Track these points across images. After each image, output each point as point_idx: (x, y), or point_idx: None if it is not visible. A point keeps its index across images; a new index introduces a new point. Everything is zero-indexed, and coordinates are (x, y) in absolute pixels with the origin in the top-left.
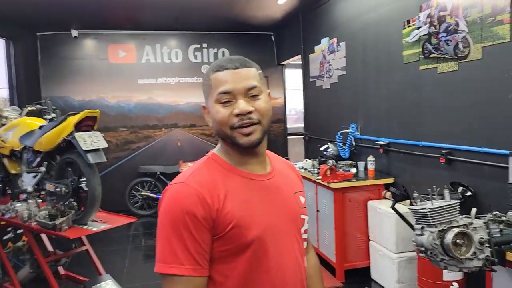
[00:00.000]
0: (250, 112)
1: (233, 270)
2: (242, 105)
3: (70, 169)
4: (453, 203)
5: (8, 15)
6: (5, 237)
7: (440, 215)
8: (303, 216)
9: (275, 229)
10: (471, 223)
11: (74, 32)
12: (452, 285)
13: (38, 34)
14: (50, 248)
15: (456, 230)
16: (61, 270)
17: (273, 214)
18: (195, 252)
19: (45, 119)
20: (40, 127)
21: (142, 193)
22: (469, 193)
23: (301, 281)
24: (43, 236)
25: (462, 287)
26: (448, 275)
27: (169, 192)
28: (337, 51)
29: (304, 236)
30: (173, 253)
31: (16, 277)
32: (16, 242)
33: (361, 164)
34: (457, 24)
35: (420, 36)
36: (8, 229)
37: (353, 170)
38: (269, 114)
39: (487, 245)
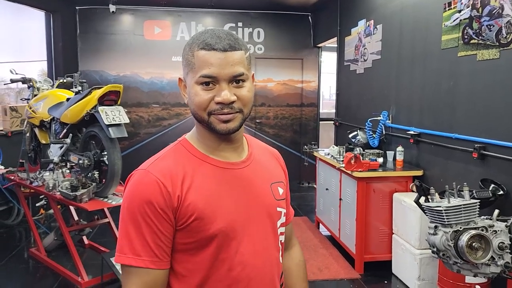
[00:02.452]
0: (232, 102)
1: (195, 264)
2: (225, 94)
3: (93, 142)
4: (472, 203)
5: None
6: (37, 204)
7: (456, 214)
8: (279, 209)
9: (244, 223)
10: (491, 226)
11: (112, 7)
12: None
13: (77, 7)
14: (76, 217)
15: (473, 232)
16: (85, 240)
17: (243, 206)
18: (153, 243)
19: (73, 91)
20: (68, 99)
21: None
22: (501, 192)
23: (271, 279)
24: (70, 206)
25: None
26: (472, 278)
27: (131, 180)
28: (374, 34)
29: (281, 230)
30: (130, 243)
31: (42, 243)
32: (48, 210)
33: (390, 154)
34: (502, 8)
35: (460, 20)
36: (41, 196)
37: (380, 159)
38: (251, 103)
39: (507, 250)
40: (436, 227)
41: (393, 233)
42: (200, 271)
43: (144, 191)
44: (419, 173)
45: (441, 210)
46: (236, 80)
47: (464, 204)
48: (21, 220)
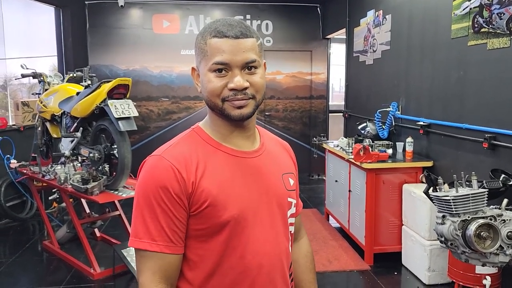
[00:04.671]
0: (245, 88)
1: (207, 251)
2: (238, 80)
3: (103, 135)
4: (480, 192)
5: None
6: (50, 197)
7: (464, 204)
8: (290, 199)
9: (255, 211)
10: (500, 215)
11: (121, 1)
12: (485, 278)
13: (86, 2)
14: (87, 210)
15: (481, 221)
16: (97, 232)
17: (255, 194)
18: (168, 228)
19: (82, 85)
20: (78, 93)
21: None
22: (511, 182)
23: (281, 268)
24: (82, 199)
25: (496, 282)
26: (482, 268)
27: (145, 165)
28: (383, 24)
29: (291, 220)
30: (146, 228)
31: (55, 236)
32: (61, 203)
33: (399, 145)
34: None
35: (470, 9)
36: (54, 190)
37: (389, 151)
38: (263, 89)
39: None
40: (444, 216)
41: (403, 225)
42: (212, 258)
43: (159, 176)
44: (429, 164)
45: (449, 200)
46: (249, 66)
47: (472, 194)
48: (34, 214)
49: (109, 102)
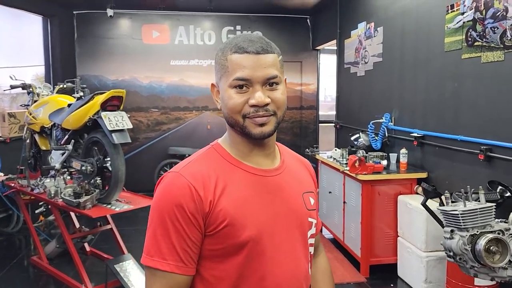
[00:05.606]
0: (266, 104)
1: (223, 272)
2: (259, 96)
3: (96, 148)
4: (489, 206)
5: None
6: (37, 211)
7: (473, 218)
8: (310, 219)
9: (275, 232)
10: (507, 229)
11: (110, 11)
12: None
13: (74, 12)
14: (77, 224)
15: (490, 236)
16: (87, 247)
17: (274, 215)
18: (180, 248)
19: (74, 97)
20: (69, 105)
21: None
22: (508, 194)
23: None
24: (71, 213)
25: None
26: (481, 280)
27: (162, 182)
28: (374, 36)
29: (311, 241)
30: (157, 246)
31: (43, 251)
32: (48, 216)
33: (393, 156)
34: (506, 10)
35: (464, 22)
36: (40, 203)
37: (384, 162)
38: (285, 106)
39: None
40: (452, 231)
41: (398, 236)
42: (229, 279)
43: (175, 194)
44: (423, 175)
45: (457, 214)
46: (270, 82)
47: (480, 208)
48: (20, 228)
49: (103, 114)
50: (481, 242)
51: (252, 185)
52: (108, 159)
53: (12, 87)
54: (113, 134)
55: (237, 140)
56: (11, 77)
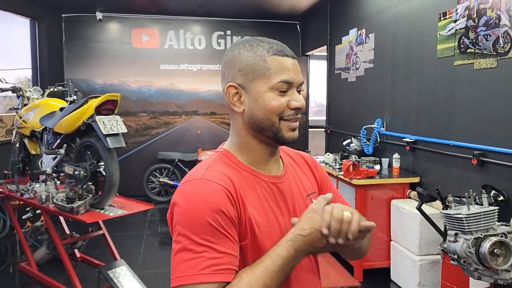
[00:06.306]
0: (301, 108)
1: None
2: (301, 99)
3: (89, 152)
4: (492, 210)
5: None
6: (24, 217)
7: (477, 222)
8: None
9: None
10: (510, 232)
11: (99, 15)
12: None
13: (63, 15)
14: (67, 230)
15: (494, 239)
16: (77, 253)
17: (288, 221)
18: (233, 253)
19: (66, 101)
20: (61, 109)
21: (160, 180)
22: (501, 198)
23: None
24: (61, 218)
25: None
26: (476, 283)
27: (187, 191)
28: (366, 43)
29: None
30: (201, 260)
31: (33, 257)
32: (35, 222)
33: (385, 161)
34: (498, 18)
35: (456, 30)
36: (27, 209)
37: (377, 167)
38: None
39: None
40: (456, 234)
41: (391, 240)
42: None
43: (211, 199)
44: (416, 180)
45: (462, 218)
46: (299, 89)
47: (483, 211)
48: (7, 233)
49: (97, 118)
50: (486, 245)
51: (268, 193)
52: (102, 163)
53: (2, 90)
54: (107, 139)
55: (253, 147)
56: (1, 80)
